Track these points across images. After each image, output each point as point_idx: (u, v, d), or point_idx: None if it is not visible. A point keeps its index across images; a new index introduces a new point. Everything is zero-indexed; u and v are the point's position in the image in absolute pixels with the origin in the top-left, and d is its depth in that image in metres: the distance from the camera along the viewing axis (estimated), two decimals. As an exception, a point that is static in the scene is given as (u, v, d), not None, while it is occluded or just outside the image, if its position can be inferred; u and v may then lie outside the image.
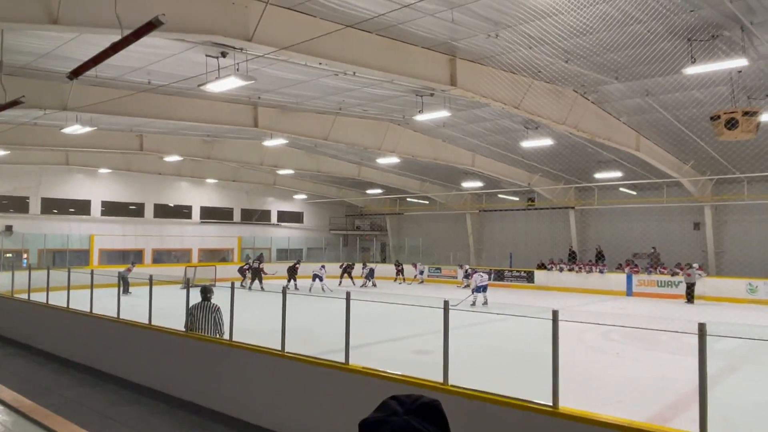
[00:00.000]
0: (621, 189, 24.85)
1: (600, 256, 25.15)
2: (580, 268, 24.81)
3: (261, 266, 23.30)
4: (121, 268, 20.71)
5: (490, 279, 19.85)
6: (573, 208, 26.76)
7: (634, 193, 25.15)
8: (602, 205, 25.57)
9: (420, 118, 15.04)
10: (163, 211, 29.49)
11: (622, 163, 20.38)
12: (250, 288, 21.00)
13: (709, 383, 3.92)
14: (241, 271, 24.26)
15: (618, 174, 22.02)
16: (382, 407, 1.11)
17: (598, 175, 22.59)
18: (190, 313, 7.68)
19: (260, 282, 22.54)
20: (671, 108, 14.74)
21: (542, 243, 28.54)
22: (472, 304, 16.98)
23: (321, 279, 22.27)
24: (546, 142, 17.45)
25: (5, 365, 9.93)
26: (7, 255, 23.43)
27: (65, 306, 10.73)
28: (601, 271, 24.14)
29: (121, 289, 17.54)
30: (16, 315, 12.64)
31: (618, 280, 23.29)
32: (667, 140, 17.69)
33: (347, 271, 26.47)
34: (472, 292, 17.79)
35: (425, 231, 34.01)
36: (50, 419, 4.28)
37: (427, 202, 33.58)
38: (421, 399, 1.12)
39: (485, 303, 17.36)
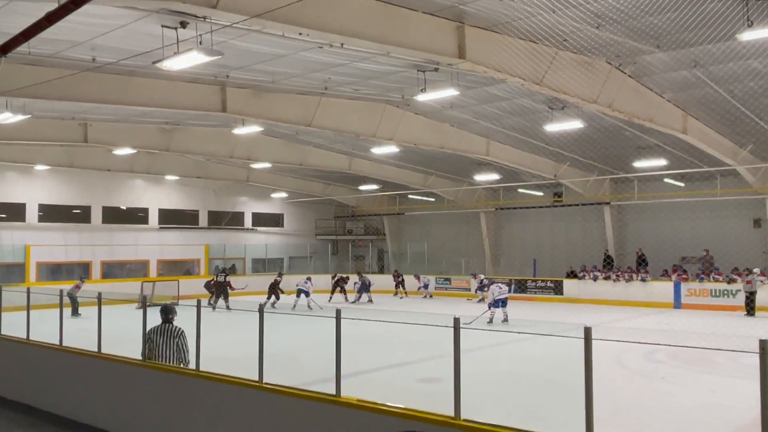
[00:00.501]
0: (665, 180, 24.91)
1: (642, 262, 25.21)
2: (618, 275, 24.87)
3: (227, 280, 23.29)
4: (67, 285, 20.67)
5: (510, 291, 19.99)
6: (608, 203, 26.80)
7: (682, 184, 25.20)
8: (643, 200, 25.60)
9: (422, 98, 15.04)
10: (114, 216, 29.47)
11: (667, 148, 20.39)
12: (214, 307, 20.98)
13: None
14: (208, 286, 24.26)
15: (662, 162, 22.01)
16: None
17: (637, 164, 22.61)
18: (149, 338, 7.67)
19: (225, 299, 22.46)
20: (724, 82, 14.78)
21: (572, 246, 28.59)
22: (489, 322, 16.99)
23: (307, 294, 22.30)
24: (574, 124, 17.48)
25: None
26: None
27: (-4, 332, 10.70)
28: (643, 279, 24.20)
29: (69, 310, 17.57)
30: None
31: (663, 289, 23.33)
32: (719, 120, 17.74)
33: (339, 284, 26.51)
34: (489, 308, 17.84)
35: (431, 234, 34.04)
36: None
37: (433, 200, 33.61)
38: None
39: (505, 320, 17.39)
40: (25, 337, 9.99)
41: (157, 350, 7.61)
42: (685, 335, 14.38)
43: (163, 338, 7.60)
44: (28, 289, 12.34)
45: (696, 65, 13.95)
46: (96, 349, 8.57)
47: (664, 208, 25.48)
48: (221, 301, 22.41)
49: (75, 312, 18.98)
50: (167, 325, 7.65)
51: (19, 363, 10.13)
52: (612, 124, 18.35)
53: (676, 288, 23.08)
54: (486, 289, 24.52)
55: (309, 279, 23.44)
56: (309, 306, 21.26)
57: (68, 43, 12.30)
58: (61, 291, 11.20)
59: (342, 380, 5.98)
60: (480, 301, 24.11)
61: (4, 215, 26.15)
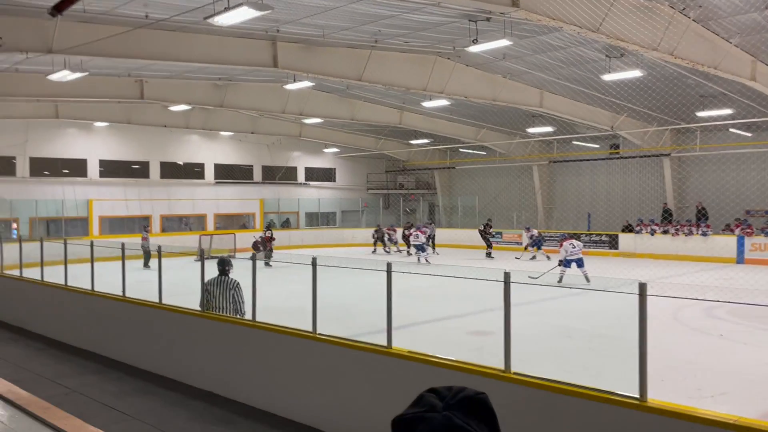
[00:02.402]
0: (731, 130, 24.02)
1: (702, 215, 24.52)
2: (677, 230, 24.27)
3: (268, 235, 23.87)
4: (127, 239, 21.23)
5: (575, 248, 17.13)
6: (668, 155, 26.09)
7: (749, 134, 24.28)
8: (706, 151, 24.80)
9: (474, 49, 14.79)
10: (172, 171, 30.19)
11: (733, 97, 19.69)
12: (266, 263, 21.29)
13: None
14: (255, 245, 24.65)
15: (727, 111, 21.36)
16: (419, 402, 1.12)
17: (701, 114, 21.96)
18: (206, 289, 7.93)
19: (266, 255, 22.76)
20: (798, 24, 13.99)
21: (629, 200, 28.08)
22: (558, 281, 15.83)
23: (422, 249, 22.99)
24: (634, 73, 17.00)
25: None
26: (-6, 225, 24.57)
27: (63, 283, 11.23)
28: (703, 234, 23.56)
29: (134, 262, 18.12)
30: (7, 295, 13.32)
31: (726, 244, 22.69)
32: (791, 66, 16.87)
33: (379, 236, 27.63)
34: (560, 264, 16.78)
35: (482, 188, 33.83)
36: (50, 413, 4.52)
37: (485, 153, 33.25)
38: (464, 392, 1.12)
39: (587, 280, 15.70)
40: (90, 288, 10.44)
41: (214, 301, 7.87)
42: (748, 292, 13.97)
43: (219, 289, 7.85)
44: (92, 242, 12.84)
45: (767, 6, 13.22)
46: (157, 300, 8.91)
47: (728, 159, 24.65)
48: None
49: (146, 264, 19.59)
50: (224, 277, 7.91)
51: (85, 313, 10.63)
52: (674, 72, 17.74)
53: (739, 243, 22.43)
54: (533, 240, 24.29)
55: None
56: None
57: (121, 0, 12.45)
58: (123, 244, 11.62)
59: (393, 332, 6.06)
60: (532, 258, 23.77)
61: (66, 171, 27.09)
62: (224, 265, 7.94)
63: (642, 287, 4.56)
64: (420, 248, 23.05)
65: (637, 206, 27.36)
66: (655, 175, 27.26)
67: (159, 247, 9.51)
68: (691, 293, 12.19)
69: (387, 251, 27.40)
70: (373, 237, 28.45)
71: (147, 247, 19.98)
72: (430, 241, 26.47)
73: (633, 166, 28.00)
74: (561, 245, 17.48)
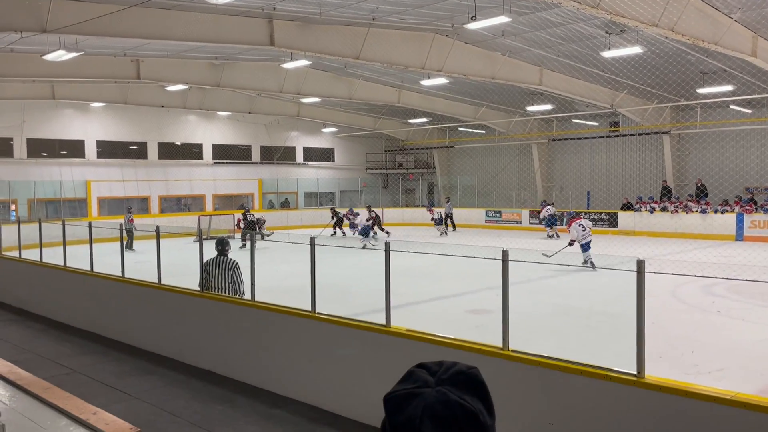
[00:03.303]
0: (731, 107, 23.92)
1: (702, 192, 24.50)
2: (676, 207, 24.27)
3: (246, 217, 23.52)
4: (122, 219, 21.28)
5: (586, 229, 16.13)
6: (668, 132, 26.02)
7: (749, 111, 24.19)
8: (706, 128, 24.73)
9: (473, 26, 14.62)
10: (169, 152, 30.10)
11: (734, 73, 19.59)
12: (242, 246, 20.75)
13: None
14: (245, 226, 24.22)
15: (728, 88, 21.22)
16: (409, 377, 1.11)
17: (701, 91, 21.86)
18: (205, 269, 7.94)
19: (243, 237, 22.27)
20: (799, -1, 13.84)
21: (628, 178, 28.11)
22: (585, 263, 15.18)
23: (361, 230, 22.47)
24: (634, 50, 16.90)
25: None
26: (-7, 207, 24.53)
27: (62, 264, 11.24)
28: (703, 211, 23.55)
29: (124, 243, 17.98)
30: (6, 276, 13.34)
31: (725, 221, 22.70)
32: (792, 42, 16.74)
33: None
34: (570, 245, 15.89)
35: (481, 167, 33.79)
36: (51, 393, 4.54)
37: (484, 132, 33.17)
38: (456, 366, 1.11)
39: (592, 267, 15.17)
40: (89, 269, 10.45)
41: (213, 281, 7.89)
42: (746, 269, 13.99)
43: (218, 270, 7.87)
44: (90, 223, 12.83)
45: (769, -18, 13.09)
46: (156, 280, 8.92)
47: (728, 136, 24.62)
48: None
49: (129, 246, 19.02)
50: (222, 257, 7.92)
51: (85, 294, 10.65)
52: (674, 49, 17.61)
53: (738, 220, 22.43)
54: (557, 222, 24.12)
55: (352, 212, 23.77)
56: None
57: (115, -22, 12.33)
58: (121, 225, 11.64)
59: (391, 311, 6.08)
60: (551, 236, 23.62)
61: (64, 152, 27.00)
62: (223, 246, 7.95)
63: (640, 264, 4.56)
64: (364, 233, 22.47)
65: (636, 184, 27.39)
66: (654, 153, 27.21)
67: (157, 227, 9.50)
68: (689, 270, 12.24)
69: (337, 233, 26.42)
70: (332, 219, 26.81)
71: (131, 228, 19.65)
72: (448, 219, 26.62)
73: (632, 143, 27.95)
74: (569, 225, 16.57)
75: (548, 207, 25.29)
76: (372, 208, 25.21)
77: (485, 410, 1.07)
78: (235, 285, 7.83)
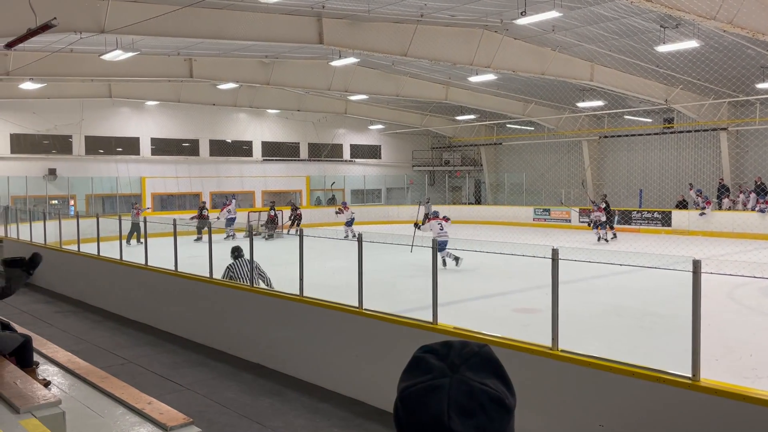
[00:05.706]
0: (793, 103, 23.06)
1: (761, 191, 23.69)
2: (734, 203, 23.51)
3: (272, 215, 24.08)
4: (179, 215, 21.38)
5: (613, 221, 16.52)
6: (725, 129, 25.22)
7: (811, 107, 23.25)
8: (766, 124, 23.86)
9: (523, 21, 14.49)
10: (220, 149, 30.67)
11: (795, 67, 18.84)
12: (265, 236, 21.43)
13: None
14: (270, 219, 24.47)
15: (789, 83, 20.45)
16: (418, 366, 1.03)
17: (760, 86, 21.18)
18: (230, 276, 9.00)
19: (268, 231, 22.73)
20: None
21: (683, 176, 27.35)
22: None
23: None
24: (689, 44, 16.48)
25: (58, 323, 10.96)
26: (53, 202, 25.39)
27: (118, 258, 11.58)
28: (762, 210, 22.78)
29: (130, 238, 18.10)
30: (66, 269, 13.81)
31: (785, 221, 21.91)
32: None
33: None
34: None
35: (529, 164, 33.35)
36: (108, 382, 4.71)
37: (532, 129, 32.72)
38: (468, 347, 1.03)
39: (455, 260, 15.02)
40: (143, 263, 10.74)
41: (242, 280, 8.86)
42: (807, 270, 13.46)
43: (243, 270, 8.93)
44: (145, 218, 13.20)
45: (835, -28, 12.56)
46: (208, 275, 9.12)
47: (789, 133, 23.72)
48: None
49: (128, 240, 18.01)
50: (240, 260, 9.08)
51: (139, 287, 10.96)
52: (732, 42, 17.08)
53: (799, 220, 21.61)
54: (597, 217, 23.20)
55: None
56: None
57: (170, -20, 12.61)
58: (175, 220, 11.89)
59: (438, 308, 6.06)
60: (613, 237, 22.59)
61: (120, 149, 27.81)
62: (238, 252, 9.23)
63: (696, 264, 4.44)
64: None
65: (691, 182, 26.62)
66: (711, 150, 26.44)
67: (209, 223, 9.83)
68: (747, 271, 11.83)
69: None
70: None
71: (137, 222, 18.84)
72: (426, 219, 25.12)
73: (688, 140, 27.20)
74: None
75: (598, 213, 22.71)
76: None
77: (507, 391, 1.01)
78: (262, 276, 8.80)
